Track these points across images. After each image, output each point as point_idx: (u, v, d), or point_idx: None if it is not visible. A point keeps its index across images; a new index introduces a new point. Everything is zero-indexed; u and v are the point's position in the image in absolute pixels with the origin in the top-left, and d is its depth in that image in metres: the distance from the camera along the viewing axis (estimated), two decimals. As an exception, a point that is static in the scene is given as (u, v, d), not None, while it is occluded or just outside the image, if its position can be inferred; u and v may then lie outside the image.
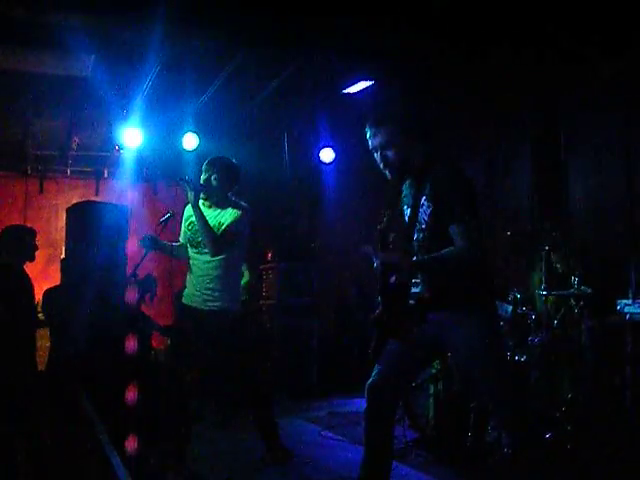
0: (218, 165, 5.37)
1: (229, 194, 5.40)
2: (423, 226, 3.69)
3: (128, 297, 5.32)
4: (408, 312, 3.70)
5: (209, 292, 5.22)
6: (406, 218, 3.79)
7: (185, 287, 5.43)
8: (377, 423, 3.94)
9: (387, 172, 3.80)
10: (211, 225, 5.18)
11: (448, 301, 3.67)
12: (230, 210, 5.28)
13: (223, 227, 5.21)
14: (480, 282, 3.70)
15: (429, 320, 3.69)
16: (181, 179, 5.15)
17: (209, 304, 5.22)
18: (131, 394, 4.84)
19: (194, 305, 5.29)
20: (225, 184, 5.35)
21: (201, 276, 5.28)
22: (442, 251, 3.59)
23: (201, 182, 5.30)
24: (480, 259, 3.64)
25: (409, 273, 3.64)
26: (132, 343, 5.19)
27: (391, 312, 3.72)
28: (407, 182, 3.89)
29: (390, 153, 3.75)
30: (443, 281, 3.71)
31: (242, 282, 7.73)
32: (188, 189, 5.09)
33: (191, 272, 5.35)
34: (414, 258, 3.63)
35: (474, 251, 3.55)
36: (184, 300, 5.38)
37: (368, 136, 3.83)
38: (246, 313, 5.58)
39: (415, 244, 3.72)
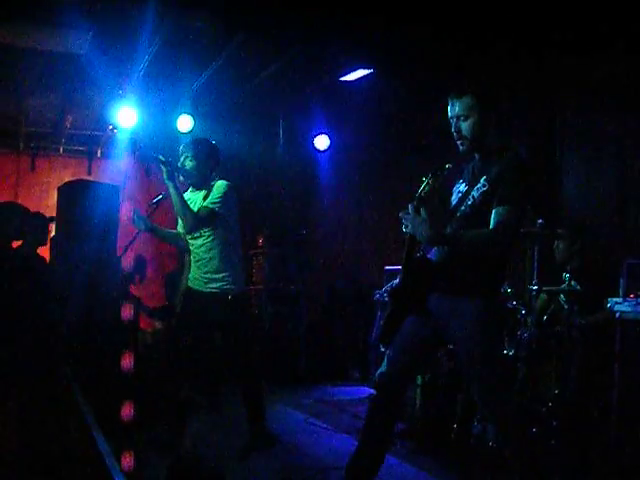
0: (192, 146, 5.36)
1: (212, 175, 5.40)
2: (469, 202, 3.73)
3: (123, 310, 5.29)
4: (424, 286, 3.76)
5: (208, 275, 5.25)
6: (458, 193, 3.88)
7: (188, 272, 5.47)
8: (384, 412, 3.94)
9: (459, 143, 3.84)
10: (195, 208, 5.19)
11: (454, 287, 3.70)
12: (212, 189, 5.26)
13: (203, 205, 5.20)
14: (491, 274, 3.71)
15: (432, 307, 3.73)
16: (155, 157, 5.10)
17: (209, 286, 5.25)
18: (122, 368, 4.81)
19: (196, 288, 5.33)
20: (201, 165, 5.33)
21: (198, 261, 5.30)
22: (473, 230, 3.63)
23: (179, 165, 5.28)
24: (504, 250, 3.69)
25: (433, 243, 3.69)
26: (127, 317, 5.17)
27: (410, 287, 3.77)
28: (474, 159, 3.94)
29: (465, 125, 3.79)
30: (457, 266, 3.71)
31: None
32: (163, 167, 5.05)
33: (192, 257, 5.37)
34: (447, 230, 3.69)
35: (502, 237, 3.57)
36: (189, 283, 5.40)
37: (449, 105, 3.87)
38: (248, 294, 5.57)
39: (456, 218, 3.78)
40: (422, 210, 3.61)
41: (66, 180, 8.77)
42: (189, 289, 5.40)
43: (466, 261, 3.68)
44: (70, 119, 10.13)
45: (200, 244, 5.26)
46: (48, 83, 8.84)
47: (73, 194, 6.62)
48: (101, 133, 10.76)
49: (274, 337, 9.08)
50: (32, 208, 6.98)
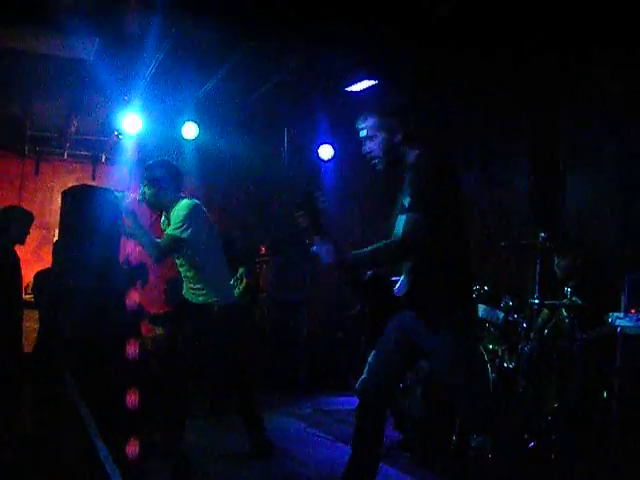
0: (146, 174, 5.23)
1: (176, 195, 5.18)
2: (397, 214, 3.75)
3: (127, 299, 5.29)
4: (386, 306, 3.78)
5: (193, 290, 5.23)
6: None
7: None
8: (370, 420, 3.94)
9: (374, 163, 3.85)
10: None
11: (420, 305, 3.69)
12: (173, 213, 5.08)
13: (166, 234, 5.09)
14: (454, 287, 3.68)
15: (405, 323, 3.73)
16: (114, 196, 5.09)
17: (195, 299, 5.23)
18: (124, 383, 4.82)
19: (188, 298, 5.31)
20: (159, 190, 5.15)
21: (183, 277, 5.30)
22: (376, 244, 3.63)
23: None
24: (453, 266, 3.65)
25: (336, 268, 3.67)
26: (132, 352, 5.19)
27: (369, 307, 3.81)
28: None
29: (371, 144, 3.81)
30: (419, 284, 3.70)
31: (241, 286, 7.80)
32: (120, 203, 5.01)
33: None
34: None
35: (406, 245, 3.54)
36: (183, 293, 5.39)
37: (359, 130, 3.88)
38: (237, 306, 5.51)
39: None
40: (325, 237, 3.69)
41: (70, 185, 8.80)
42: (185, 299, 5.38)
43: (428, 278, 3.67)
44: (75, 124, 10.15)
45: (179, 263, 5.25)
46: (54, 88, 8.86)
47: (77, 199, 6.64)
48: (106, 139, 10.78)
49: (275, 345, 9.08)
50: (36, 212, 7.02)
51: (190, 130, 9.56)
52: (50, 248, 8.70)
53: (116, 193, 5.06)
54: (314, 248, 3.72)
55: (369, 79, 8.28)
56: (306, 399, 8.29)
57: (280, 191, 10.84)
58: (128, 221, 4.98)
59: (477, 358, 3.81)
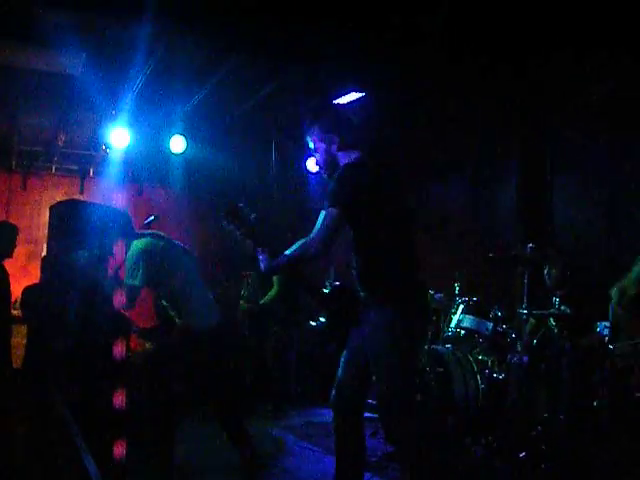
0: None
1: (129, 240, 5.13)
2: None
3: (115, 300, 5.27)
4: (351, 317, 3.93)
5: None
6: None
7: None
8: (345, 434, 4.01)
9: (321, 173, 4.12)
10: None
11: (367, 298, 3.83)
12: (126, 259, 5.06)
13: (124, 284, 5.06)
14: (392, 283, 3.79)
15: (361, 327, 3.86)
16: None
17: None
18: (112, 395, 4.79)
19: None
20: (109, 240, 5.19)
21: None
22: (296, 244, 3.91)
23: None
24: (384, 258, 3.79)
25: (269, 274, 4.26)
26: (118, 352, 5.18)
27: (333, 319, 4.06)
28: None
29: (316, 155, 4.09)
30: (365, 279, 3.85)
31: (271, 293, 7.83)
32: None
33: None
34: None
35: (316, 242, 3.72)
36: None
37: None
38: (215, 329, 5.43)
39: None
40: (258, 248, 3.93)
41: (58, 199, 8.79)
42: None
43: (369, 273, 3.82)
44: (63, 138, 10.13)
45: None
46: (41, 103, 8.86)
47: (65, 213, 6.63)
48: (94, 153, 10.76)
49: (265, 358, 9.05)
50: (23, 227, 7.01)
51: (178, 144, 9.56)
52: (38, 263, 8.67)
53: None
54: (255, 257, 3.95)
55: (356, 91, 8.30)
56: (296, 411, 8.27)
57: (268, 203, 10.83)
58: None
59: (406, 358, 3.81)
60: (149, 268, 4.96)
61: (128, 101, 8.54)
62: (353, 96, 8.41)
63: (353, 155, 3.99)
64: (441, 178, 8.85)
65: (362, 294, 3.87)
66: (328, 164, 4.03)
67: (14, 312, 7.63)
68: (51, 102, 8.85)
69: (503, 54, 6.62)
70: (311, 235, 3.78)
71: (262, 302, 7.90)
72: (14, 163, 10.78)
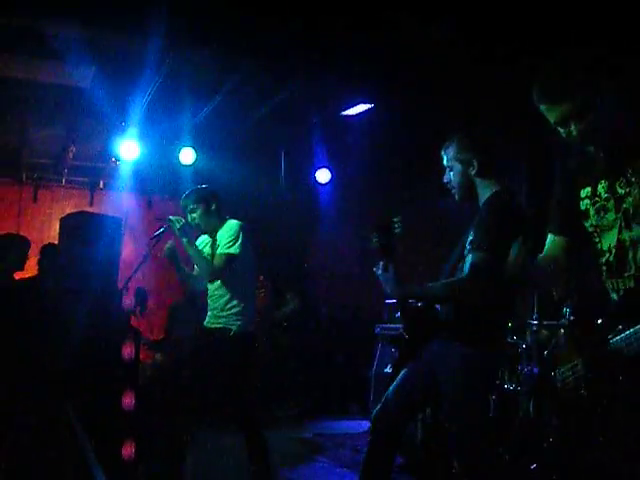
0: (192, 197, 5.33)
1: (222, 217, 5.36)
2: (464, 253, 3.72)
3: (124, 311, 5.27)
4: (424, 334, 3.77)
5: (216, 311, 5.20)
6: (463, 244, 3.83)
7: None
8: (380, 450, 3.90)
9: (453, 193, 3.91)
10: (214, 253, 5.19)
11: (447, 332, 3.68)
12: (221, 233, 5.23)
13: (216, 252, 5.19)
14: (482, 322, 3.63)
15: (432, 350, 3.72)
16: (168, 219, 5.16)
17: (213, 322, 5.20)
18: (123, 405, 4.79)
19: (206, 325, 5.28)
20: (206, 212, 5.30)
21: (211, 296, 5.27)
22: (440, 281, 3.66)
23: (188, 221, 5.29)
24: (488, 296, 3.53)
25: (399, 299, 3.75)
26: (128, 354, 5.16)
27: (410, 332, 3.81)
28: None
29: (450, 175, 3.88)
30: (452, 311, 3.70)
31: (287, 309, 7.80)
32: (174, 226, 5.10)
33: (207, 293, 5.36)
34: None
35: (472, 284, 3.50)
36: (204, 322, 5.36)
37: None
38: (254, 336, 5.43)
39: (458, 269, 3.76)
40: (390, 266, 3.64)
41: (68, 211, 8.81)
42: (202, 327, 5.35)
43: (461, 308, 3.66)
44: (73, 151, 10.17)
45: (217, 285, 5.26)
46: (51, 115, 8.90)
47: (75, 225, 6.64)
48: (104, 165, 10.80)
49: (274, 371, 9.05)
50: (34, 239, 7.02)
51: (187, 155, 9.59)
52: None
53: (171, 217, 5.11)
54: (378, 274, 3.71)
55: (365, 103, 8.32)
56: (306, 424, 8.26)
57: (278, 215, 10.85)
58: (182, 244, 5.10)
59: (481, 403, 3.71)
60: (246, 242, 5.15)
61: (137, 113, 8.57)
62: (362, 107, 8.43)
63: (491, 186, 3.78)
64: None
65: (450, 326, 3.72)
66: (463, 187, 3.85)
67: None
68: (61, 115, 8.88)
69: (516, 65, 6.62)
70: (468, 278, 3.55)
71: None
72: (25, 175, 10.82)
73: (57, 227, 6.96)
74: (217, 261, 5.14)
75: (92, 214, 8.31)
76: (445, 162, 3.89)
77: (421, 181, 9.28)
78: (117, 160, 9.92)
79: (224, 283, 5.19)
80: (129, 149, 8.93)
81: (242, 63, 7.37)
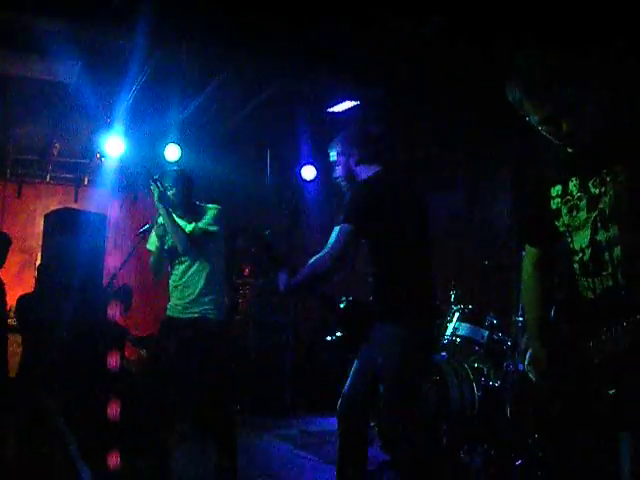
0: (171, 180, 5.33)
1: (196, 202, 5.38)
2: None
3: (109, 310, 5.25)
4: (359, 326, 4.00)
5: (188, 299, 5.17)
6: None
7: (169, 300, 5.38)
8: (349, 444, 4.03)
9: (340, 186, 4.25)
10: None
11: (376, 315, 3.91)
12: (206, 212, 5.24)
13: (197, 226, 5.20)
14: (398, 300, 3.87)
15: (371, 336, 3.93)
16: (150, 179, 5.16)
17: (187, 312, 5.16)
18: (107, 406, 4.78)
19: (175, 315, 5.22)
20: (179, 195, 5.31)
21: (178, 286, 5.23)
22: (309, 262, 3.94)
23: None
24: (396, 274, 3.89)
25: (287, 294, 4.12)
26: (114, 357, 5.15)
27: (347, 329, 4.15)
28: None
29: (337, 169, 4.23)
30: (374, 293, 3.99)
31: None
32: (155, 189, 5.10)
33: (173, 283, 5.32)
34: None
35: (328, 258, 3.80)
36: (167, 312, 5.31)
37: None
38: (227, 325, 5.45)
39: None
40: (282, 273, 4.01)
41: (52, 208, 8.77)
42: (168, 318, 5.28)
43: (381, 288, 3.95)
44: (57, 147, 10.12)
45: (184, 269, 5.22)
46: (36, 111, 8.84)
47: (59, 222, 6.63)
48: (88, 161, 10.75)
49: (260, 368, 9.05)
50: (18, 236, 7.00)
51: (172, 152, 9.54)
52: (32, 272, 8.67)
53: (153, 182, 5.12)
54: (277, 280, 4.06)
55: (351, 100, 8.31)
56: (292, 420, 8.26)
57: (263, 212, 10.84)
58: (160, 211, 5.12)
59: (407, 377, 3.90)
60: (222, 228, 5.21)
61: (123, 110, 8.53)
62: (347, 104, 8.42)
63: (372, 170, 4.09)
64: (437, 186, 8.86)
65: (375, 307, 3.95)
66: (347, 177, 4.16)
67: (9, 321, 7.62)
68: (46, 111, 8.83)
69: (498, 63, 6.63)
70: (324, 251, 3.84)
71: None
72: (9, 172, 10.76)
73: (41, 224, 6.95)
74: (196, 232, 5.14)
75: (76, 211, 8.29)
76: (331, 159, 4.24)
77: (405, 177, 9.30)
78: (102, 156, 9.87)
79: (198, 269, 5.16)
80: (114, 145, 8.88)
81: (228, 60, 7.35)
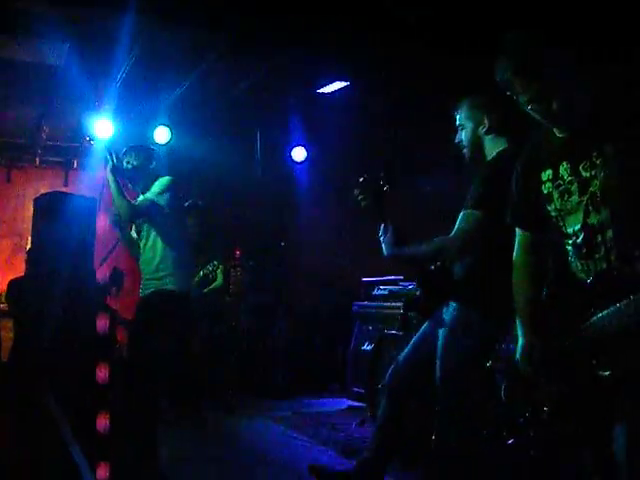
0: (135, 153, 5.35)
1: (155, 176, 5.33)
2: None
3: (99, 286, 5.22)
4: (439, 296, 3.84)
5: (148, 276, 5.16)
6: None
7: None
8: (387, 409, 4.12)
9: (464, 152, 3.99)
10: None
11: (456, 293, 3.78)
12: (154, 184, 5.20)
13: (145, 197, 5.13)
14: (478, 287, 3.70)
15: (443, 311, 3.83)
16: (109, 152, 5.13)
17: (146, 289, 5.17)
18: (97, 379, 4.74)
19: (141, 295, 5.25)
20: (142, 169, 5.31)
21: (144, 263, 5.24)
22: (433, 240, 3.77)
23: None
24: (468, 253, 3.72)
25: (391, 259, 3.86)
26: (102, 327, 5.09)
27: (426, 294, 3.90)
28: None
29: (461, 134, 3.96)
30: (461, 274, 3.79)
31: (217, 284, 7.57)
32: (109, 160, 5.07)
33: (140, 263, 5.31)
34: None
35: (459, 241, 3.65)
36: (140, 293, 5.29)
37: None
38: (189, 296, 5.35)
39: None
40: (388, 228, 3.78)
41: (42, 192, 8.73)
42: (139, 299, 5.29)
43: (468, 272, 3.76)
44: (46, 130, 10.05)
45: (144, 244, 5.21)
46: (24, 94, 8.78)
47: (49, 206, 6.58)
48: (78, 144, 10.69)
49: (252, 350, 9.06)
50: (8, 220, 6.95)
51: (162, 134, 9.53)
52: (23, 256, 8.62)
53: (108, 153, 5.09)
54: (379, 236, 3.85)
55: (340, 80, 8.29)
56: (284, 402, 8.28)
57: (254, 193, 10.81)
58: (109, 181, 5.13)
59: (468, 364, 3.82)
60: (175, 198, 5.15)
61: (112, 92, 8.48)
62: (337, 85, 8.40)
63: (501, 144, 3.84)
64: (426, 169, 8.85)
65: (461, 288, 3.79)
66: (472, 146, 3.92)
67: (0, 305, 7.60)
68: (34, 93, 8.77)
69: (487, 44, 6.60)
70: (453, 235, 3.69)
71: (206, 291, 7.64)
72: (-3, 156, 10.70)
73: (31, 208, 6.91)
74: (140, 201, 5.09)
75: (66, 194, 8.23)
76: (457, 122, 3.95)
77: (397, 159, 9.28)
78: (91, 139, 9.80)
79: (153, 244, 5.13)
80: (103, 128, 8.84)
81: (217, 41, 7.30)
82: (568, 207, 2.65)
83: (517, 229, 3.01)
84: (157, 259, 5.11)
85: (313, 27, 6.62)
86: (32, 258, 6.95)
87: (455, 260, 3.77)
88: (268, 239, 9.93)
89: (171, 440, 5.58)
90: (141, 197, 5.18)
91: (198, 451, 5.74)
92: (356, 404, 7.79)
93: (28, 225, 8.97)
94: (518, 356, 2.90)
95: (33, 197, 7.75)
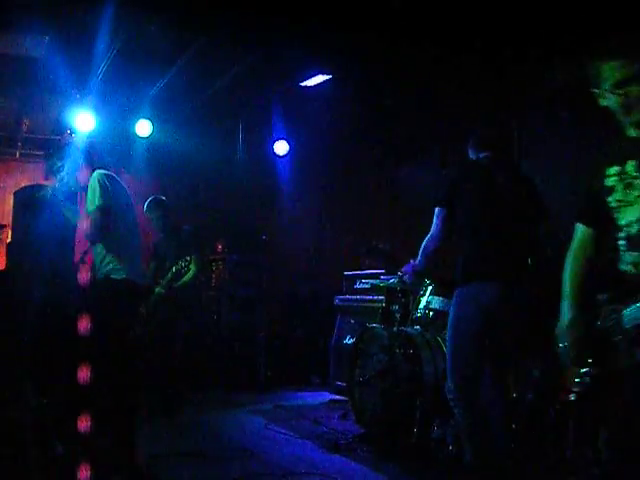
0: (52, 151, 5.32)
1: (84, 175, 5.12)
2: None
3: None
4: None
5: (96, 268, 4.99)
6: None
7: None
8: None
9: None
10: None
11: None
12: (88, 188, 4.99)
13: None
14: (463, 265, 4.49)
15: None
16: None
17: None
18: (82, 379, 4.69)
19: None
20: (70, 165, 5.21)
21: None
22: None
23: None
24: (467, 249, 4.49)
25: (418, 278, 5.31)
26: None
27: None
28: None
29: None
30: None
31: (187, 277, 7.34)
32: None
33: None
34: None
35: (432, 240, 4.57)
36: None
37: None
38: (142, 287, 5.17)
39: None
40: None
41: (23, 185, 8.66)
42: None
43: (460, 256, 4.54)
44: (27, 123, 9.99)
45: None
46: (4, 87, 8.72)
47: (30, 199, 6.54)
48: (59, 137, 10.61)
49: (234, 343, 9.05)
50: (-12, 213, 6.90)
51: (143, 128, 9.50)
52: (3, 249, 8.56)
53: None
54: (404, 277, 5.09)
55: (323, 74, 8.27)
56: (266, 396, 8.29)
57: (236, 187, 10.79)
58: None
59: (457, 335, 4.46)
60: (106, 192, 4.84)
61: (93, 85, 8.43)
62: (320, 78, 8.38)
63: (481, 154, 4.71)
64: (408, 160, 8.86)
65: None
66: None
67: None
68: (13, 86, 8.70)
69: (470, 37, 6.61)
70: (430, 233, 4.56)
71: (179, 284, 7.29)
72: (-23, 149, 10.62)
73: (11, 201, 6.85)
74: (93, 218, 4.83)
75: (46, 187, 8.18)
76: None
77: (377, 151, 9.31)
78: (72, 132, 9.74)
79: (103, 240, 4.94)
80: (84, 121, 8.79)
81: (199, 34, 7.27)
82: (629, 199, 2.82)
83: (579, 224, 3.18)
84: (102, 254, 4.89)
85: (295, 20, 6.61)
86: (11, 252, 6.91)
87: (440, 249, 4.57)
88: (250, 232, 9.90)
89: (149, 435, 5.57)
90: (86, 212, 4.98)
91: (178, 445, 5.73)
92: (338, 397, 7.81)
93: (8, 218, 8.91)
94: (557, 331, 3.00)
95: (13, 190, 7.70)
